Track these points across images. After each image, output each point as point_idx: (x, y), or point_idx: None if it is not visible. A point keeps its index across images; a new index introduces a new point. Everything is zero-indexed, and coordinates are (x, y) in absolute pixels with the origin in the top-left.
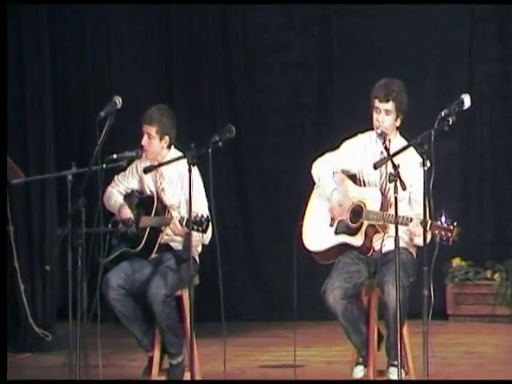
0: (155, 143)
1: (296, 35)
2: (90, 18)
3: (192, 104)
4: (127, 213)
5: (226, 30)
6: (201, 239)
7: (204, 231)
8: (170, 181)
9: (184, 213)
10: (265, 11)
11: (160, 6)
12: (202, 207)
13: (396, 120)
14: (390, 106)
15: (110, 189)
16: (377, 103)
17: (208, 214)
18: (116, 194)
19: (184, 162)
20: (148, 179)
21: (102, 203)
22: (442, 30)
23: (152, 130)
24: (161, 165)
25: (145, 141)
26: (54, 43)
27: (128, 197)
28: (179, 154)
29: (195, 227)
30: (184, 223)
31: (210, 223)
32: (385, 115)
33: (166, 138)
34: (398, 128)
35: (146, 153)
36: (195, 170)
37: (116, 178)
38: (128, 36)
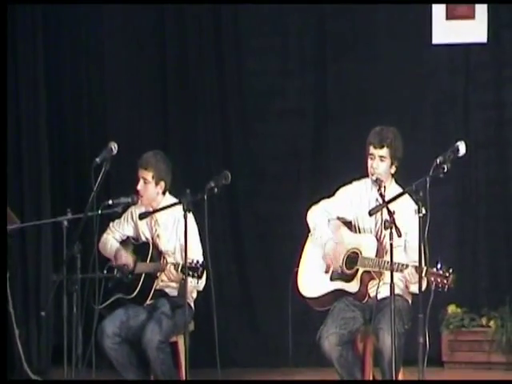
0: (151, 188)
1: (291, 81)
2: (86, 63)
3: (187, 150)
4: (125, 257)
5: (221, 76)
6: (196, 285)
7: (199, 277)
8: (165, 227)
9: (179, 259)
10: (261, 56)
11: (156, 50)
12: (196, 253)
13: (391, 167)
14: (384, 152)
15: (105, 236)
16: (371, 149)
17: (203, 259)
18: (111, 240)
19: (179, 208)
20: (143, 226)
21: (98, 250)
22: (438, 75)
23: (148, 174)
24: (156, 211)
25: (140, 186)
26: (49, 88)
27: (123, 244)
28: (174, 200)
29: (190, 273)
30: (179, 269)
31: (205, 269)
32: (379, 161)
33: (162, 183)
34: (392, 175)
35: (142, 198)
36: (190, 216)
37: (111, 225)
38: (124, 81)
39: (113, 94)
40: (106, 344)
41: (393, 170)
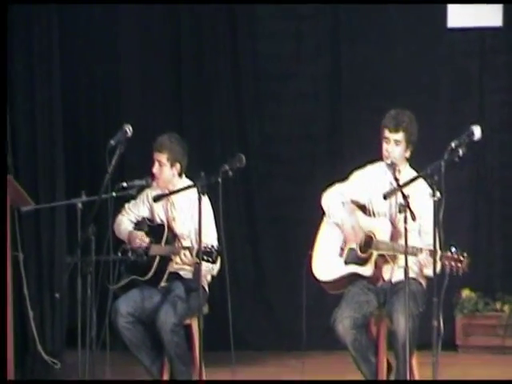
0: (166, 171)
1: (306, 65)
2: (100, 43)
3: (202, 133)
4: (139, 237)
5: (236, 59)
6: (210, 270)
7: (213, 262)
8: (180, 210)
9: (194, 242)
10: (275, 40)
11: (170, 34)
12: (211, 237)
13: (405, 151)
14: (399, 136)
15: (120, 217)
16: (387, 133)
17: (217, 244)
18: (126, 221)
19: (195, 190)
20: (158, 208)
21: (112, 231)
22: (453, 59)
23: (163, 157)
24: (171, 193)
25: (156, 168)
26: (64, 69)
27: (138, 224)
28: (190, 182)
29: (205, 258)
30: (194, 253)
31: (219, 253)
32: (394, 145)
33: (177, 165)
34: (407, 159)
35: (157, 181)
36: (205, 199)
37: (126, 206)
38: (138, 63)
39: (127, 78)
40: (120, 323)
41: (407, 154)
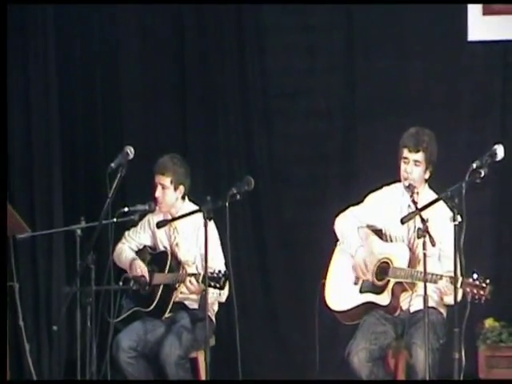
0: (170, 194)
1: (318, 80)
2: (100, 59)
3: (207, 152)
4: (140, 267)
5: (244, 74)
6: (217, 297)
7: (221, 288)
8: (184, 236)
9: (200, 269)
10: (286, 54)
11: (174, 48)
12: (218, 263)
13: (425, 172)
14: (419, 156)
15: (120, 245)
16: (406, 153)
17: (225, 269)
18: (127, 249)
19: (199, 215)
20: (161, 234)
21: (113, 260)
22: (474, 74)
23: (166, 180)
24: (175, 219)
25: (159, 192)
26: (62, 88)
27: (140, 254)
28: (194, 206)
29: (212, 284)
30: (200, 280)
31: (227, 279)
32: (414, 166)
33: (181, 187)
34: (426, 180)
35: (160, 205)
36: (211, 224)
37: (127, 233)
38: (140, 80)
39: (128, 96)
40: (122, 358)
41: (427, 175)
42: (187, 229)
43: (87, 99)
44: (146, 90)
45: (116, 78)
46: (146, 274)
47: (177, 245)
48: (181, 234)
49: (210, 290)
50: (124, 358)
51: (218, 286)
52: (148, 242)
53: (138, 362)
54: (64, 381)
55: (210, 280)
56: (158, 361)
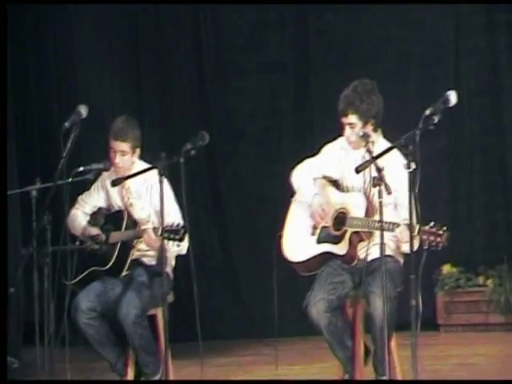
0: (128, 158)
1: (270, 34)
2: (53, 20)
3: (162, 111)
4: (93, 231)
5: (196, 30)
6: (177, 250)
7: (181, 239)
8: (138, 195)
9: (156, 224)
10: (237, 9)
11: (127, 7)
12: (175, 217)
13: (364, 127)
14: (351, 119)
15: (73, 211)
16: (341, 117)
17: (183, 222)
18: (80, 215)
19: (151, 173)
20: (115, 194)
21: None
22: (425, 22)
23: (126, 146)
24: (129, 176)
25: (119, 159)
26: (13, 50)
27: (94, 216)
28: (147, 165)
29: (172, 236)
30: (159, 233)
31: (186, 232)
32: (349, 129)
33: (138, 150)
34: (375, 130)
35: (118, 169)
36: (165, 181)
37: (80, 198)
38: (93, 40)
39: (81, 54)
40: (81, 320)
41: (369, 127)
42: (140, 188)
43: (39, 58)
44: (99, 50)
45: (69, 37)
46: (102, 236)
47: (131, 204)
48: (134, 194)
49: (170, 243)
50: (83, 319)
51: (177, 237)
52: (102, 204)
53: (98, 322)
54: (64, 381)
55: (169, 233)
56: (116, 317)
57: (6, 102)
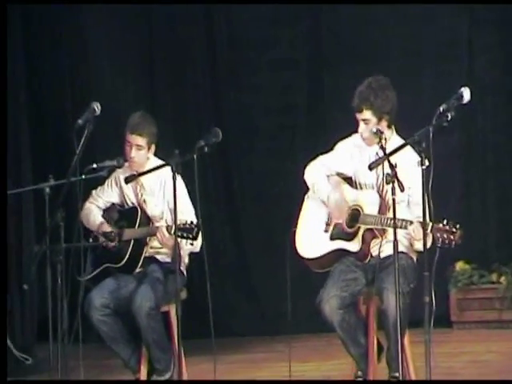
0: (144, 153)
1: (284, 30)
2: (66, 18)
3: (175, 108)
4: (107, 228)
5: (209, 27)
6: (190, 248)
7: (194, 238)
8: (151, 192)
9: (170, 222)
10: (251, 5)
11: (140, 3)
12: (188, 215)
13: (379, 124)
14: (365, 115)
15: (87, 204)
16: (355, 113)
17: (197, 220)
18: (95, 209)
19: (165, 170)
20: (129, 191)
21: (81, 219)
22: (439, 18)
23: (143, 141)
24: (143, 173)
25: (134, 152)
26: (28, 48)
27: (108, 211)
28: (160, 161)
29: (185, 234)
30: (172, 231)
31: (200, 230)
32: (363, 125)
33: (153, 146)
34: (389, 126)
35: (133, 164)
36: (179, 178)
37: (94, 192)
38: (106, 38)
39: (94, 50)
40: (95, 317)
41: (384, 124)
42: (154, 185)
43: (53, 56)
44: (113, 47)
45: (83, 35)
46: (115, 231)
47: (144, 201)
48: (147, 191)
49: (183, 241)
50: (97, 316)
51: (190, 236)
52: (116, 200)
53: (112, 319)
54: (65, 381)
55: (183, 231)
56: (129, 313)
57: (6, 102)
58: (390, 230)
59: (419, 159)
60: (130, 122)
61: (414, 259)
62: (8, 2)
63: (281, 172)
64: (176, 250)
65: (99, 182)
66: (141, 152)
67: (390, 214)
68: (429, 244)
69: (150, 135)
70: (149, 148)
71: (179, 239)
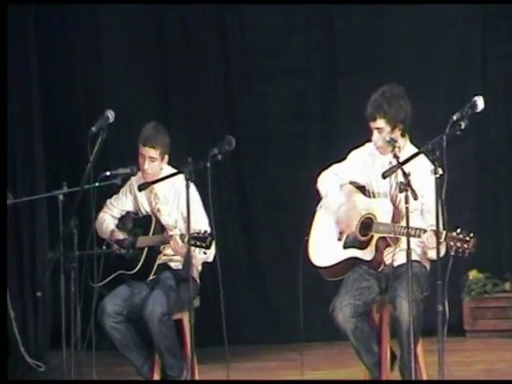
0: (157, 165)
1: (297, 38)
2: (80, 25)
3: (189, 114)
4: (120, 235)
5: (223, 34)
6: (204, 257)
7: (208, 247)
8: (165, 201)
9: (184, 231)
10: (264, 12)
11: (153, 10)
12: (202, 224)
13: (393, 132)
14: (379, 123)
15: (101, 214)
16: (369, 121)
17: (210, 229)
18: (108, 218)
19: (179, 179)
20: (143, 199)
21: (95, 228)
22: (452, 27)
23: (155, 153)
24: (157, 181)
25: (147, 164)
26: (41, 54)
27: (123, 219)
28: (174, 170)
29: (198, 243)
30: (186, 240)
31: (213, 239)
32: (377, 133)
33: (166, 157)
34: (403, 135)
35: (147, 175)
36: (192, 186)
37: (108, 201)
38: (120, 45)
39: (109, 59)
40: (108, 324)
41: (397, 132)
42: (167, 194)
43: (68, 64)
44: (127, 55)
45: (97, 41)
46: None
47: (158, 210)
48: (161, 200)
49: (197, 250)
50: (109, 323)
51: (204, 245)
52: (130, 208)
53: (125, 326)
54: (65, 381)
55: (196, 240)
56: (142, 320)
57: (7, 105)
58: (404, 239)
59: (433, 168)
60: (143, 134)
61: (428, 268)
62: (8, 2)
63: (293, 180)
64: (189, 258)
65: (113, 189)
66: (154, 164)
67: (404, 223)
68: (442, 252)
69: (163, 146)
70: (162, 159)
71: (192, 248)
